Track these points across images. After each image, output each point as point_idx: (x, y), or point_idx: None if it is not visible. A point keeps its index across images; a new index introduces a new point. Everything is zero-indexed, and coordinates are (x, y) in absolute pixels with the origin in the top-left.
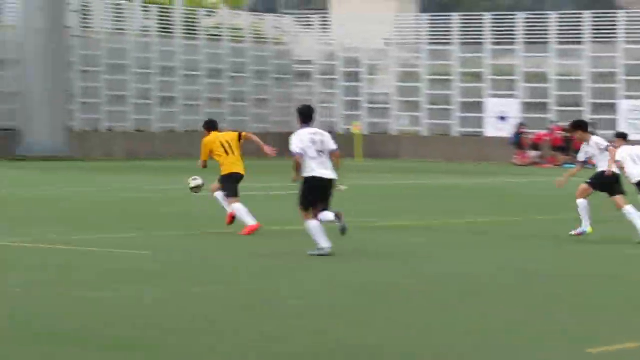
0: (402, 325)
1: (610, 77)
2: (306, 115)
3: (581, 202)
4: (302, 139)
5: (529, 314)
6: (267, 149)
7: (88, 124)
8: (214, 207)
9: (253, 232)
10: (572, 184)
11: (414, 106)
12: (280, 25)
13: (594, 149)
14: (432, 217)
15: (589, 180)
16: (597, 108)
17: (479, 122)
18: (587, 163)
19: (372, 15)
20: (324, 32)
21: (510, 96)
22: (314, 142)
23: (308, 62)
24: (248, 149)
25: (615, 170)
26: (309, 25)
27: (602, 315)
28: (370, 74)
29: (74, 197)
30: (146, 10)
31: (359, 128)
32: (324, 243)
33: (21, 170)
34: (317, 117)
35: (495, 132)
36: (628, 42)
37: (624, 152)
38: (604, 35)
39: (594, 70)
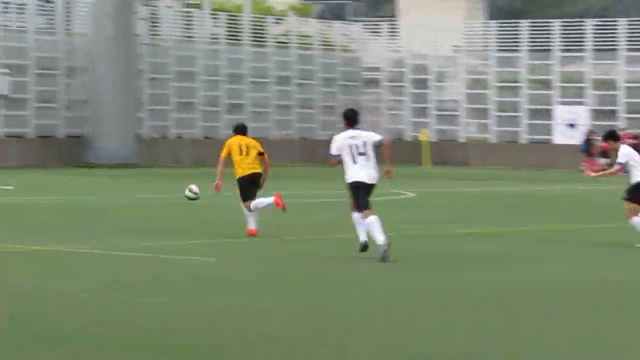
0: (475, 333)
1: None
2: (350, 118)
3: (635, 220)
4: (339, 143)
5: (608, 323)
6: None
7: (156, 131)
8: (279, 214)
9: (251, 235)
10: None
11: (482, 113)
12: (348, 32)
13: (626, 158)
14: (501, 224)
15: (628, 197)
16: None
17: (547, 130)
18: (624, 170)
19: (440, 22)
20: (392, 39)
21: (579, 103)
22: (351, 145)
23: (376, 69)
24: (319, 157)
25: None
26: (378, 32)
27: None
28: (439, 81)
29: (141, 204)
30: (215, 18)
31: (427, 135)
32: (381, 238)
33: (90, 177)
34: (385, 123)
35: (564, 140)
36: None
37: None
38: None
39: None
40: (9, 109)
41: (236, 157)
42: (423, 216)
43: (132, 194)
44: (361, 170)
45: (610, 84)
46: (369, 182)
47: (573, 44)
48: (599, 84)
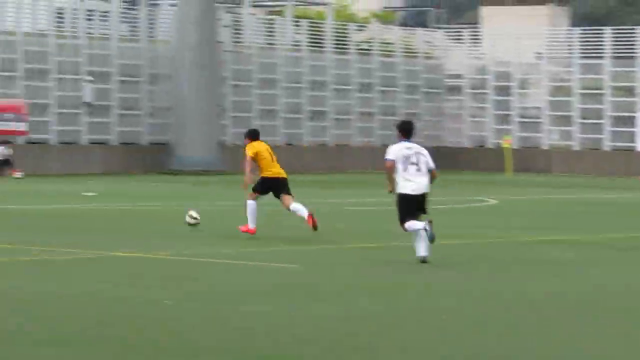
0: (556, 339)
1: None
2: (405, 130)
3: None
4: (395, 151)
5: None
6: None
7: (239, 138)
8: (361, 221)
9: (248, 233)
10: None
11: (564, 120)
12: (431, 39)
13: None
14: (581, 232)
15: None
16: None
17: (630, 137)
18: None
19: (523, 29)
20: (475, 46)
21: None
22: (406, 156)
23: (459, 76)
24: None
25: None
26: (460, 39)
27: None
28: (521, 88)
29: (224, 210)
30: (297, 25)
31: (509, 142)
32: (422, 252)
33: (173, 184)
34: (467, 130)
35: None
36: None
37: None
38: None
39: None
40: (92, 116)
41: (265, 161)
42: (503, 223)
43: (213, 201)
44: (411, 183)
45: None
46: (419, 193)
47: None
48: None
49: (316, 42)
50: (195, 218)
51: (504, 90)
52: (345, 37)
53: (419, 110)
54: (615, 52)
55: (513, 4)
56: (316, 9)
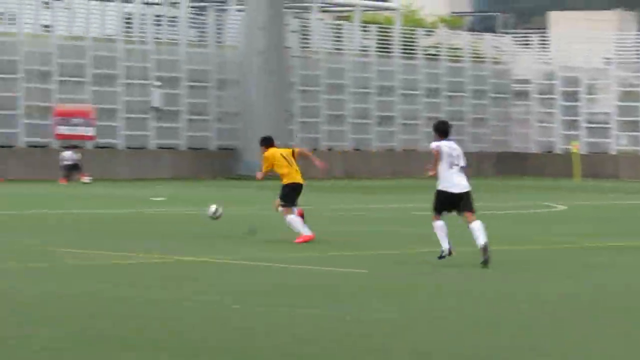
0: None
1: None
2: (443, 131)
3: None
4: (440, 146)
5: None
6: (318, 163)
7: (307, 143)
8: (424, 226)
9: (307, 241)
10: None
11: (633, 126)
12: (498, 44)
13: None
14: None
15: None
16: None
17: None
18: None
19: (591, 34)
20: (543, 51)
21: None
22: (450, 154)
23: (526, 81)
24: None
25: None
26: (528, 44)
27: None
28: (590, 93)
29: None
30: (365, 30)
31: (577, 147)
32: (444, 244)
33: (239, 189)
34: (535, 136)
35: None
36: None
37: None
38: None
39: None
40: (161, 121)
41: (284, 169)
42: (571, 229)
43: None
44: (452, 182)
45: None
46: (457, 191)
47: None
48: None
49: (384, 47)
50: (214, 213)
51: (571, 96)
52: (413, 42)
53: (486, 115)
54: None
55: (581, 9)
56: (384, 14)
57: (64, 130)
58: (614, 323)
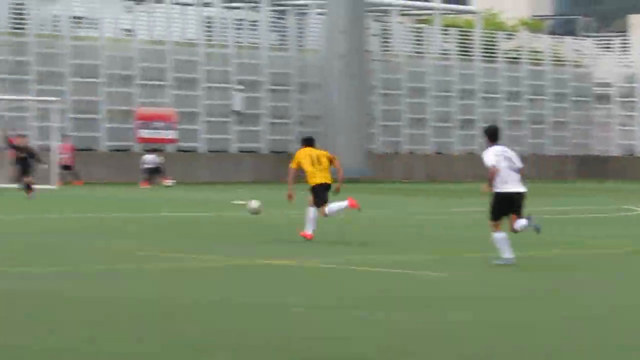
0: None
1: None
2: (494, 135)
3: None
4: (495, 154)
5: None
6: (337, 187)
7: (389, 146)
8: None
9: (306, 238)
10: None
11: None
12: (579, 47)
13: None
14: None
15: None
16: None
17: None
18: None
19: None
20: (624, 54)
21: None
22: (505, 158)
23: (607, 84)
24: (551, 172)
25: None
26: (609, 47)
27: None
28: None
29: (368, 218)
30: (445, 34)
31: None
32: (509, 254)
33: None
34: (616, 139)
35: None
36: None
37: None
38: None
39: None
40: (242, 124)
41: (309, 168)
42: None
43: (364, 210)
44: (510, 184)
45: None
46: (517, 191)
47: None
48: None
49: (465, 51)
50: (253, 208)
51: None
52: (494, 45)
53: (567, 118)
54: None
55: None
56: (464, 18)
57: (145, 133)
58: None
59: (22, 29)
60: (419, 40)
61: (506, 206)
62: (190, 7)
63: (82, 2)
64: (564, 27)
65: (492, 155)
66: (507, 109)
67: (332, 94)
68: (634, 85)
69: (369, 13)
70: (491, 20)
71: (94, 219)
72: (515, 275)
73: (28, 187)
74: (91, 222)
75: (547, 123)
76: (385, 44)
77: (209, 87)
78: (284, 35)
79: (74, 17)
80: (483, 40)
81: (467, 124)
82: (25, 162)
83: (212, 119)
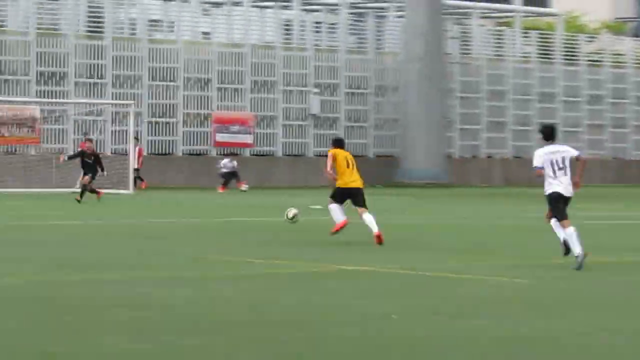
0: None
1: None
2: (547, 134)
3: None
4: (540, 156)
5: None
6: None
7: (467, 150)
8: (593, 236)
9: (341, 229)
10: None
11: None
12: None
13: None
14: None
15: None
16: None
17: None
18: None
19: None
20: None
21: None
22: (552, 160)
23: None
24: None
25: None
26: None
27: None
28: None
29: (440, 224)
30: (526, 36)
31: None
32: (578, 250)
33: (397, 197)
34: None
35: None
36: None
37: None
38: None
39: None
40: (319, 128)
41: (342, 168)
42: None
43: (441, 214)
44: (560, 184)
45: None
46: (566, 194)
47: None
48: None
49: (545, 53)
50: (291, 217)
51: None
52: (575, 48)
53: None
54: None
55: None
56: (545, 20)
57: (223, 137)
58: None
59: (100, 32)
60: (499, 42)
61: (562, 204)
62: (268, 10)
63: (159, 5)
64: None
65: (539, 156)
66: (588, 112)
67: (410, 97)
68: None
69: (448, 16)
70: (572, 23)
71: (169, 224)
72: (604, 281)
73: (92, 191)
74: (166, 226)
75: (629, 127)
76: (465, 47)
77: (287, 91)
78: (362, 38)
79: (151, 20)
80: (564, 43)
81: None
82: (92, 166)
83: (290, 122)
